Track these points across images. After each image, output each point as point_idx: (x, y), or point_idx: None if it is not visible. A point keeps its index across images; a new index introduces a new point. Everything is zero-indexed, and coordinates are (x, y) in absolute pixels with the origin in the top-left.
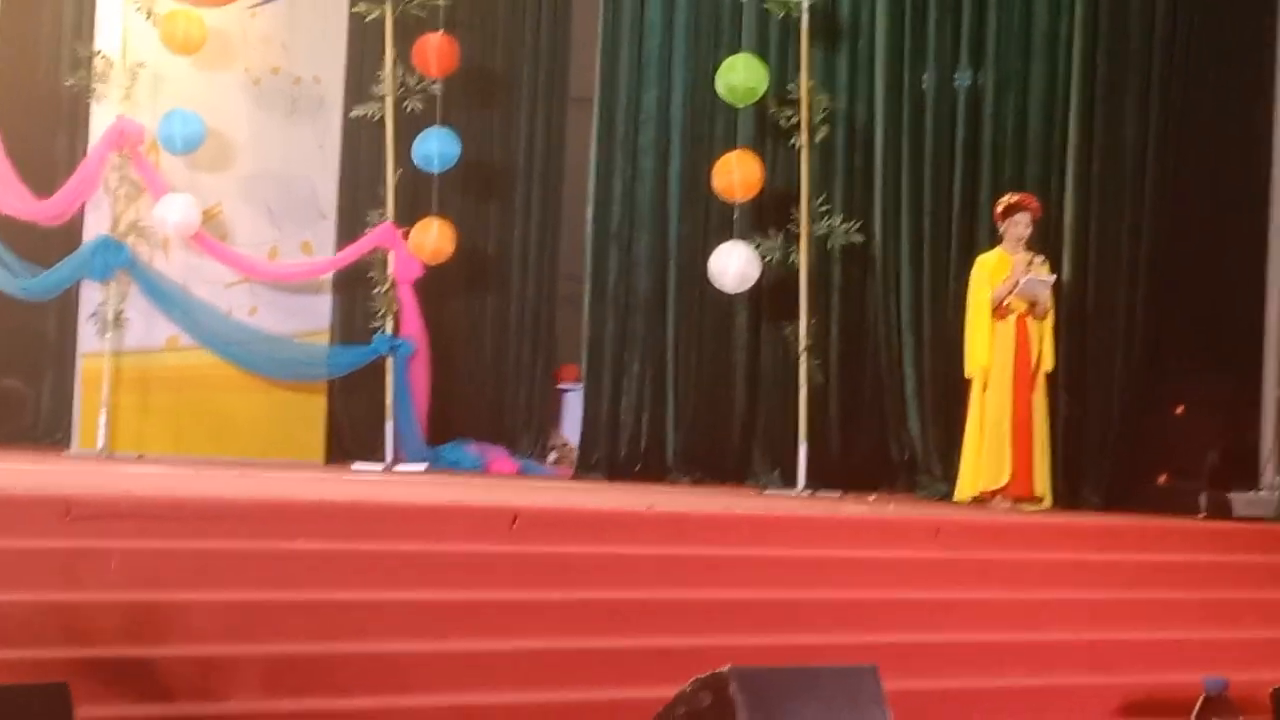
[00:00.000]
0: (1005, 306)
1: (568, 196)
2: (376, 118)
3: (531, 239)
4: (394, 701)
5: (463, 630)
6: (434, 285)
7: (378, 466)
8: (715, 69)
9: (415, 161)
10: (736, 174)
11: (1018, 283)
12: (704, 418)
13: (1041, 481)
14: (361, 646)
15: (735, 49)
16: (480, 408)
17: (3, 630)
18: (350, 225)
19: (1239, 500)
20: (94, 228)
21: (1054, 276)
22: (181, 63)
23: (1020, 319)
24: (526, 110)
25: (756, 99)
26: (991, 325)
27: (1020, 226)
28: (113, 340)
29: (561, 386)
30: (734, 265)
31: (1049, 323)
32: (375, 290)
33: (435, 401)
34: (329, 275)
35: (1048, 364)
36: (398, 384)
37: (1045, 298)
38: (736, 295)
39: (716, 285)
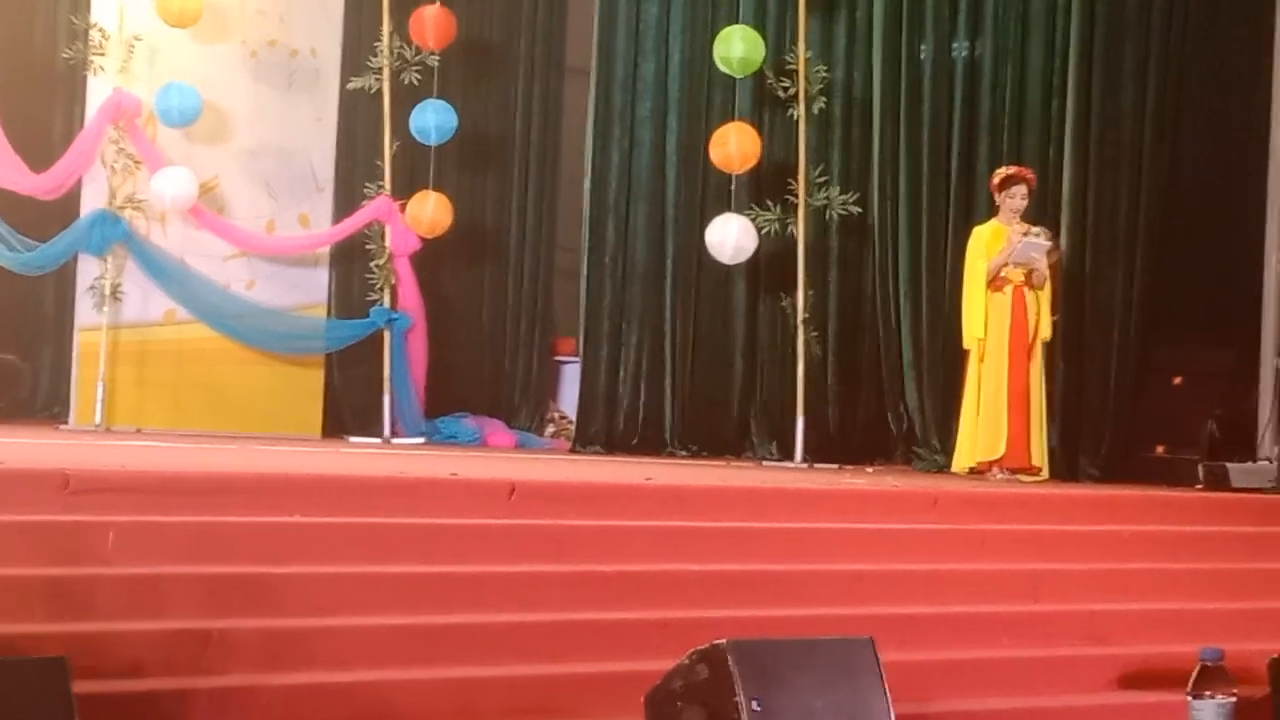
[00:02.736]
0: (1002, 277)
1: (565, 168)
2: (373, 90)
3: (529, 211)
4: (392, 674)
5: (461, 603)
6: (431, 258)
7: (375, 440)
8: (713, 39)
9: (412, 134)
10: (734, 145)
11: (1015, 248)
12: (702, 390)
13: (1039, 452)
14: (359, 620)
15: (733, 19)
16: (478, 381)
17: (1, 604)
18: (347, 198)
19: (1236, 471)
20: (91, 201)
21: (1050, 243)
22: (178, 35)
23: (1017, 290)
24: (523, 82)
25: (754, 70)
26: (988, 296)
27: (1017, 199)
28: (110, 314)
29: (559, 359)
30: (730, 237)
31: (1046, 293)
32: (373, 263)
33: (433, 375)
34: (326, 248)
35: (1045, 334)
36: (395, 357)
37: (1042, 264)
38: (734, 267)
39: (714, 257)
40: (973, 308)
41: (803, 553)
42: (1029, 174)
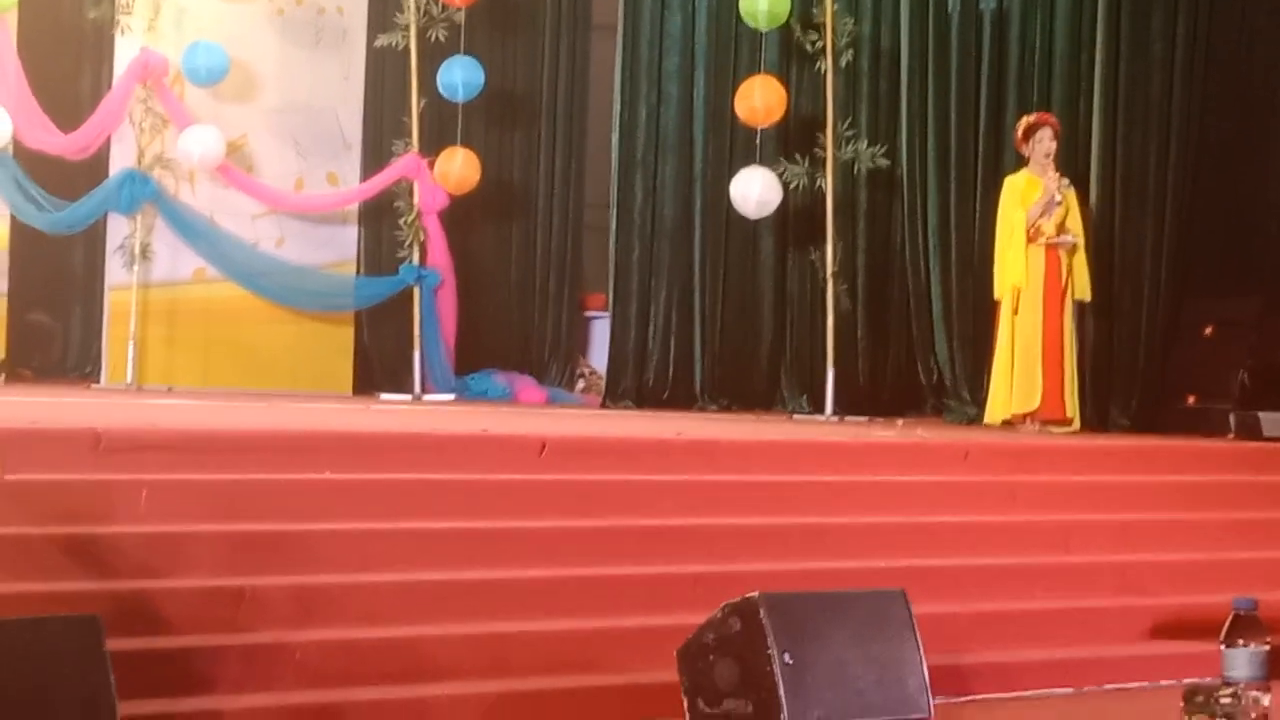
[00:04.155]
0: (1036, 229)
1: (592, 124)
2: (400, 47)
3: (557, 167)
4: (424, 630)
5: (492, 559)
6: (460, 215)
7: (406, 397)
8: None
9: (440, 91)
10: (758, 99)
11: (1053, 199)
12: (731, 344)
13: (1071, 404)
14: (390, 576)
15: None
16: (507, 337)
17: (34, 563)
18: (375, 155)
19: (1268, 420)
20: (119, 161)
21: (1076, 240)
22: None
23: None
24: (550, 38)
25: (781, 23)
26: (1024, 247)
27: (1045, 143)
28: (140, 273)
29: (588, 314)
30: (754, 192)
31: (1082, 253)
32: (401, 220)
33: (462, 331)
34: (355, 206)
35: (1081, 294)
36: (425, 314)
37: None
38: (762, 221)
39: (739, 211)
40: (1008, 257)
41: (834, 506)
42: (1049, 118)
